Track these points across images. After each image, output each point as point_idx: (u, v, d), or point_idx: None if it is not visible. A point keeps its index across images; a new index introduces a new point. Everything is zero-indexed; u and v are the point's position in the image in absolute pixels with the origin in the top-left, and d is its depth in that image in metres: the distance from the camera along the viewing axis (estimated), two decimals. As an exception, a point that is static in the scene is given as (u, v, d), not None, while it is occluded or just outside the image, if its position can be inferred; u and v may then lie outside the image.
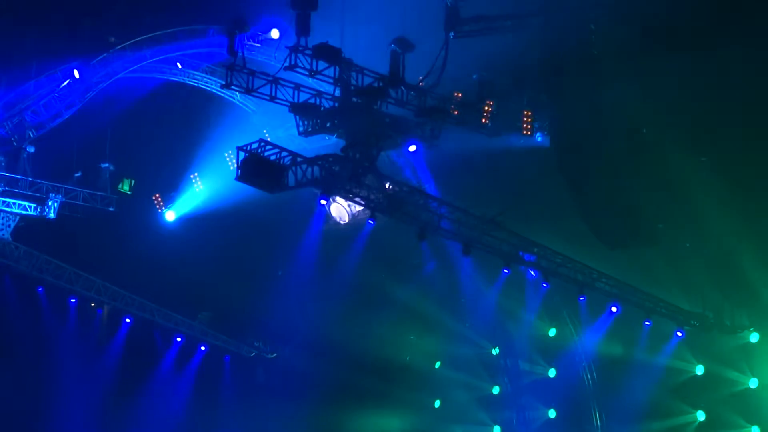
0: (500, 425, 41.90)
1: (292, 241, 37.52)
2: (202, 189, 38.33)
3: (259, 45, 29.66)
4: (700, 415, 36.84)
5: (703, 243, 32.12)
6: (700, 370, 36.66)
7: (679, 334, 35.01)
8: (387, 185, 29.33)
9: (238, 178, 27.23)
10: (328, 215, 35.76)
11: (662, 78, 26.66)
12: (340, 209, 35.68)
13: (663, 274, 34.18)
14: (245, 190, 29.25)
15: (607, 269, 33.46)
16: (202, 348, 41.29)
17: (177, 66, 32.43)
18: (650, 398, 36.71)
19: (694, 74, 26.60)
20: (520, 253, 31.80)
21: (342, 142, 28.87)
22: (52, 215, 34.22)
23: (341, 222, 35.81)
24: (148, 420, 39.77)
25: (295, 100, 27.73)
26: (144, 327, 39.28)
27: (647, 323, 34.67)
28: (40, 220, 34.32)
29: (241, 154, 26.70)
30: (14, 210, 33.88)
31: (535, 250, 31.93)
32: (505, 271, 32.24)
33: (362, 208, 33.47)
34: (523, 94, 30.56)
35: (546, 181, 30.91)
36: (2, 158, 31.05)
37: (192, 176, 38.26)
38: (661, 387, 36.71)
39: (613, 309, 34.00)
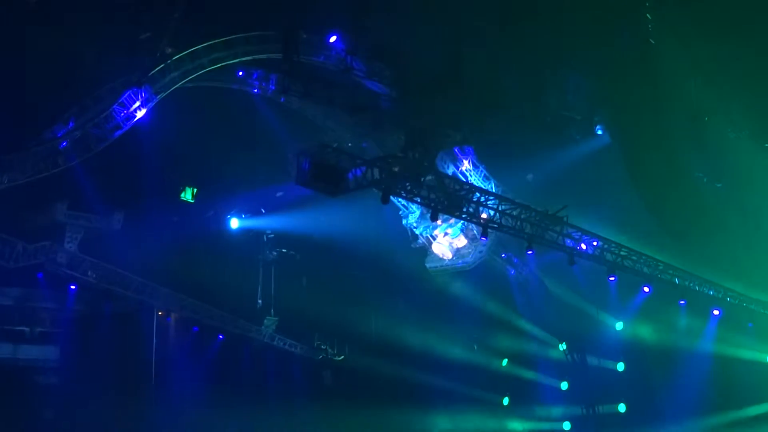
0: (570, 420, 41.72)
1: (358, 242, 37.65)
2: (262, 193, 38.60)
3: (314, 49, 29.65)
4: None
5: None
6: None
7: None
8: (447, 184, 29.23)
9: (299, 182, 27.34)
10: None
11: (724, 65, 26.30)
12: (442, 248, 35.95)
13: (731, 264, 33.79)
14: (308, 194, 29.38)
15: (673, 261, 33.15)
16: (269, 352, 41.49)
17: (235, 74, 32.55)
18: (715, 389, 36.44)
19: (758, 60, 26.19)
20: (584, 247, 31.59)
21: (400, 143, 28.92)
22: (117, 227, 34.64)
23: (444, 259, 36.01)
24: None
25: (353, 103, 27.80)
26: (211, 333, 39.54)
27: (716, 312, 34.35)
28: (106, 231, 34.73)
29: (301, 159, 26.79)
30: (81, 222, 34.35)
31: (599, 243, 31.70)
32: (571, 266, 32.02)
33: (465, 243, 33.86)
34: (581, 87, 30.31)
35: (608, 174, 30.66)
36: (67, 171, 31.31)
37: (252, 182, 38.54)
38: (728, 377, 36.35)
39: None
